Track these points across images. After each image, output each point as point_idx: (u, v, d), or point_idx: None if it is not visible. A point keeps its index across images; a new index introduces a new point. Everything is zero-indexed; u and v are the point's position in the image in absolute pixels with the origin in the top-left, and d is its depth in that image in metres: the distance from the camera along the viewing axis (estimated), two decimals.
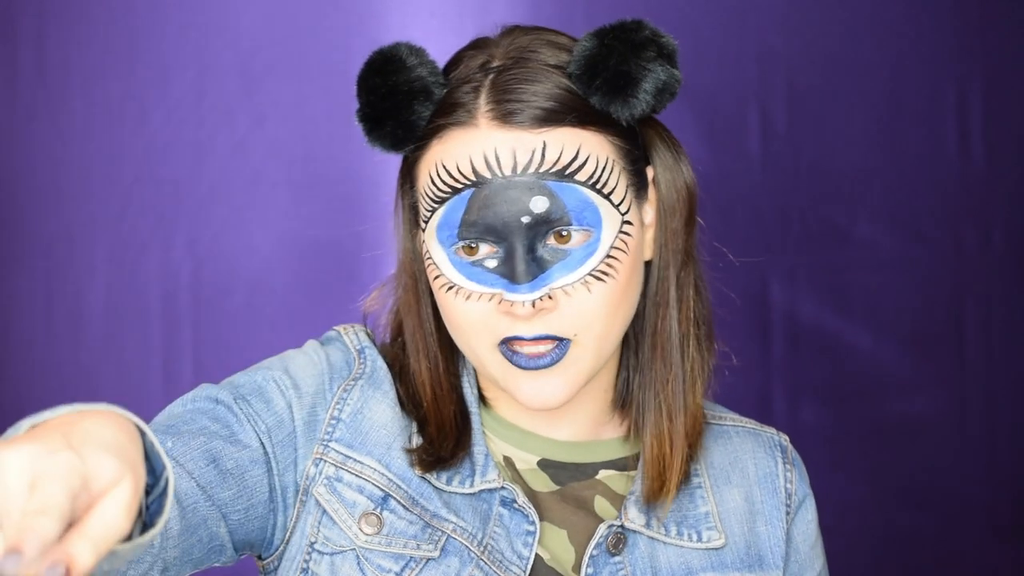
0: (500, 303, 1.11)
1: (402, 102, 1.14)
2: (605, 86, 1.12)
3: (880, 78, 2.07)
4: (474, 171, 1.10)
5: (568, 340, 1.12)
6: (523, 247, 1.10)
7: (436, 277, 1.14)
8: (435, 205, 1.13)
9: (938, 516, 2.10)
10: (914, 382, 2.09)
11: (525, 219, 1.10)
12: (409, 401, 1.21)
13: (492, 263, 1.12)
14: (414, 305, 1.21)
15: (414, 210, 1.19)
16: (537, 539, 1.17)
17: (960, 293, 2.10)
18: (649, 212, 1.19)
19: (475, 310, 1.12)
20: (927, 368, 2.09)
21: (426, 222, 1.15)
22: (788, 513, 1.26)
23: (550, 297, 1.11)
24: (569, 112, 1.12)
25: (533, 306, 1.10)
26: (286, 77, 1.98)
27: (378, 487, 1.16)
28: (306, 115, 2.00)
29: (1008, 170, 2.09)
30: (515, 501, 1.18)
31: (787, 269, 2.07)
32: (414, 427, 1.20)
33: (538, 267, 1.11)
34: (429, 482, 1.18)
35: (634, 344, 1.22)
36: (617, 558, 1.19)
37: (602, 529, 1.19)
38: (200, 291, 1.98)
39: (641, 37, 1.14)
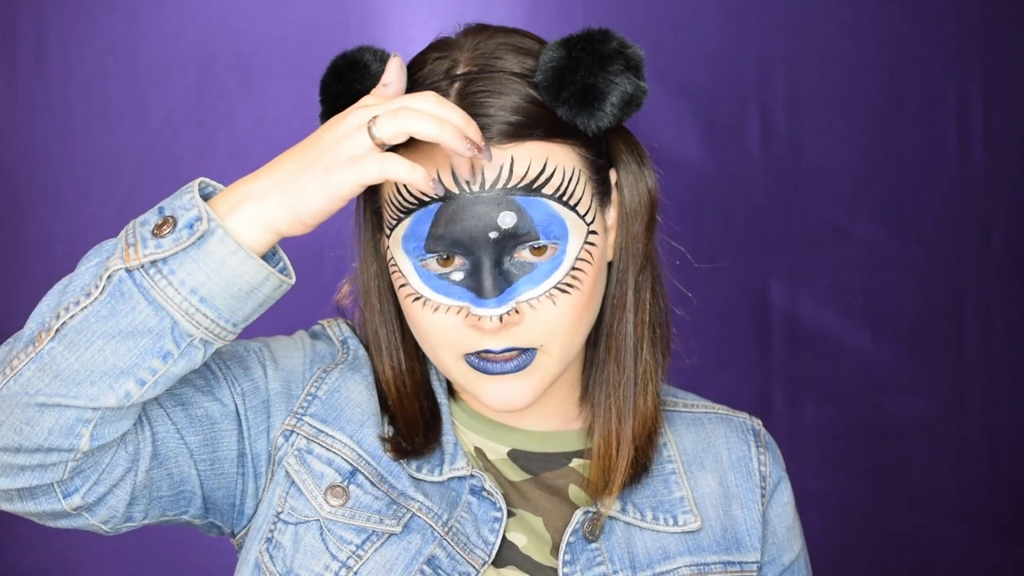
0: (467, 316, 1.12)
1: None
2: (572, 99, 1.12)
3: (880, 78, 2.08)
4: (442, 185, 1.11)
5: (534, 349, 1.13)
6: (490, 261, 1.11)
7: (402, 286, 1.15)
8: (401, 215, 1.13)
9: (938, 516, 2.11)
10: (914, 382, 2.09)
11: (493, 234, 1.10)
12: (379, 397, 1.22)
13: (459, 276, 1.12)
14: (376, 306, 1.22)
15: (377, 215, 1.19)
16: (504, 525, 1.18)
17: (960, 293, 2.10)
18: (611, 215, 1.19)
19: (442, 322, 1.13)
20: (927, 368, 2.09)
21: (391, 229, 1.15)
22: (763, 496, 1.26)
23: (516, 311, 1.11)
24: (536, 126, 1.12)
25: (500, 320, 1.10)
26: (286, 77, 1.98)
27: (347, 461, 1.18)
28: (306, 115, 1.99)
29: (1008, 170, 2.09)
30: (483, 488, 1.19)
31: (787, 269, 2.07)
32: (387, 417, 1.22)
33: (505, 281, 1.11)
34: (401, 465, 1.19)
35: (594, 341, 1.23)
36: (594, 544, 1.19)
37: (578, 515, 1.19)
38: None
39: (608, 49, 1.13)
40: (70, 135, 1.99)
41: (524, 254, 1.11)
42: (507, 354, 1.13)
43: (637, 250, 1.19)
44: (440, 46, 1.17)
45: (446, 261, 1.12)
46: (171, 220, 1.03)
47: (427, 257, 1.12)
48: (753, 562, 1.24)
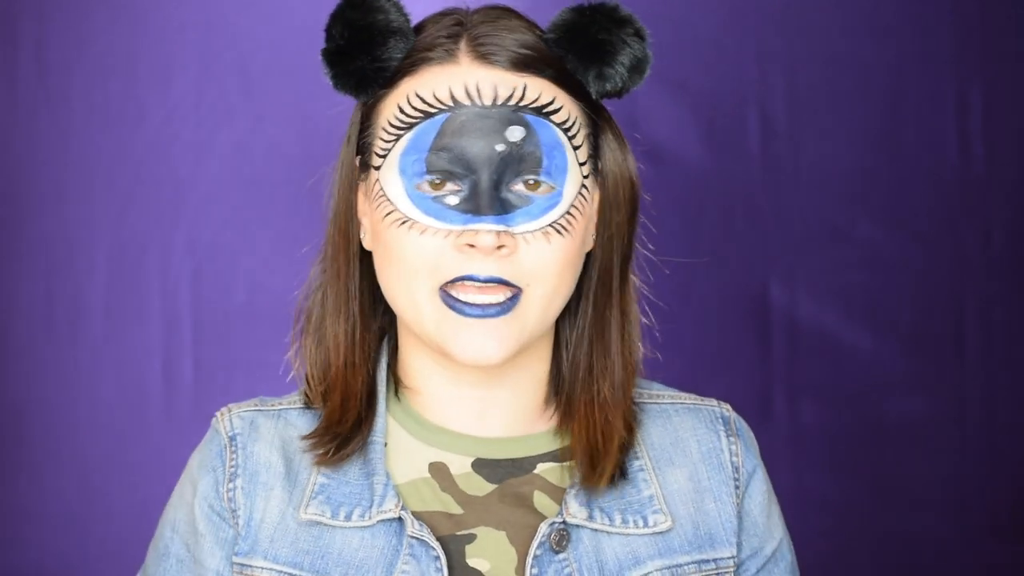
0: (459, 236, 1.10)
1: (378, 38, 1.14)
2: (583, 51, 1.13)
3: (880, 78, 2.08)
4: (452, 97, 1.10)
5: (519, 292, 1.11)
6: (490, 182, 1.10)
7: (388, 214, 1.13)
8: (400, 132, 1.12)
9: (938, 516, 2.10)
10: (914, 382, 2.09)
11: (499, 147, 1.10)
12: (314, 375, 1.20)
13: (453, 200, 1.11)
14: (343, 268, 1.19)
15: (363, 153, 1.17)
16: (446, 563, 1.15)
17: (960, 293, 2.10)
18: (595, 199, 1.19)
19: (428, 246, 1.11)
20: (927, 368, 2.09)
21: (383, 157, 1.13)
22: (737, 487, 1.23)
23: (511, 236, 1.10)
24: (547, 66, 1.13)
25: (497, 237, 1.09)
26: (286, 77, 1.98)
27: None
28: (306, 115, 1.99)
29: (1008, 171, 2.09)
30: (413, 530, 1.16)
31: (787, 269, 2.07)
32: (310, 475, 1.19)
33: (502, 207, 1.10)
34: (323, 524, 1.17)
35: (569, 337, 1.21)
36: (562, 555, 1.17)
37: (544, 528, 1.17)
38: (200, 291, 1.98)
39: (622, 14, 1.15)
40: (70, 135, 1.99)
41: (521, 188, 1.11)
42: (489, 290, 1.11)
43: (621, 241, 1.19)
44: (446, 12, 1.18)
45: (440, 185, 1.10)
46: None
47: (422, 179, 1.11)
48: (728, 558, 1.21)
